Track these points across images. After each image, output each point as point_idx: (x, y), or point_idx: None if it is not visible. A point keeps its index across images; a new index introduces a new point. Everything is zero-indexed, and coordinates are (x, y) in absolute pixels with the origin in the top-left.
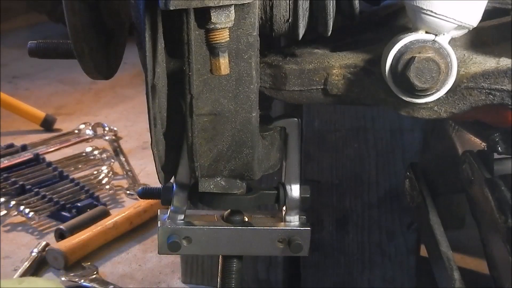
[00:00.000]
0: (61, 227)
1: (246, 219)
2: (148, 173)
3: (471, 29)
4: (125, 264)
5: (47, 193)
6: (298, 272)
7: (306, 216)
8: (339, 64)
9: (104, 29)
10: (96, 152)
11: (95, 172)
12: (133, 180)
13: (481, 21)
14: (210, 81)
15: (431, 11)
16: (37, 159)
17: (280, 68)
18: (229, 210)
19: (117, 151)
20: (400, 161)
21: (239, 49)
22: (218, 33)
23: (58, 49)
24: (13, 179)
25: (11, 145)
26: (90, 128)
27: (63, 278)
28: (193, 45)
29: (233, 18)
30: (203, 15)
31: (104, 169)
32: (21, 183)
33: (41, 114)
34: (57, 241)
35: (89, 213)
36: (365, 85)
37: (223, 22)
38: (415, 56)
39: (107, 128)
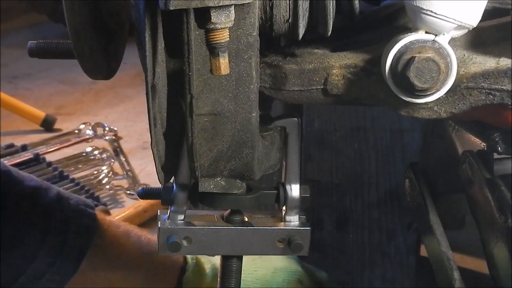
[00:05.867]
0: None
1: (246, 219)
2: (148, 173)
3: (471, 29)
4: None
5: None
6: None
7: (306, 216)
8: (339, 64)
9: (104, 29)
10: (96, 152)
11: (95, 172)
12: (133, 180)
13: (481, 21)
14: (210, 81)
15: (431, 11)
16: (37, 159)
17: (280, 68)
18: (229, 210)
19: (117, 151)
20: (400, 161)
21: (239, 49)
22: (218, 33)
23: (58, 49)
24: None
25: (11, 145)
26: (90, 128)
27: None
28: (193, 45)
29: (233, 18)
30: (203, 15)
31: (104, 169)
32: None
33: (41, 114)
34: None
35: None
36: (365, 85)
37: (223, 22)
38: (415, 56)
39: (107, 128)
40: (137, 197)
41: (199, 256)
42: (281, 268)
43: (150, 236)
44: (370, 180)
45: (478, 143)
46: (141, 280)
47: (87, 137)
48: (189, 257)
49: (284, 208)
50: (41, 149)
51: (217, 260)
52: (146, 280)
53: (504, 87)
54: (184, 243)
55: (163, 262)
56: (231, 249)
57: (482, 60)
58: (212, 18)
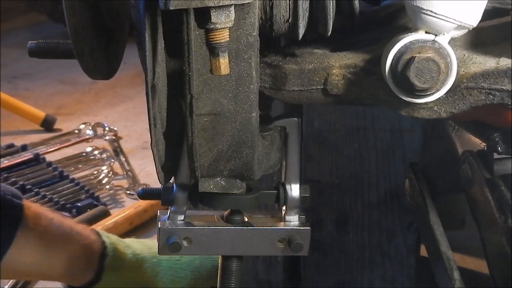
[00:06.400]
0: None
1: (246, 219)
2: (148, 173)
3: (471, 29)
4: None
5: (47, 193)
6: (298, 272)
7: (306, 216)
8: (339, 64)
9: (104, 29)
10: (96, 152)
11: (95, 172)
12: (133, 180)
13: (481, 21)
14: (210, 81)
15: (431, 11)
16: (37, 159)
17: (280, 68)
18: (229, 210)
19: (117, 151)
20: (400, 161)
21: (239, 49)
22: (218, 33)
23: (58, 49)
24: (13, 179)
25: (11, 145)
26: (90, 128)
27: None
28: (193, 45)
29: (233, 18)
30: (203, 15)
31: (104, 169)
32: (21, 183)
33: (41, 114)
34: None
35: (89, 213)
36: (365, 85)
37: (223, 22)
38: (415, 56)
39: (107, 128)
40: (137, 197)
41: (117, 242)
42: None
43: (62, 219)
44: (370, 180)
45: (478, 143)
46: (62, 264)
47: (87, 137)
48: (107, 242)
49: (284, 208)
50: (41, 149)
51: (136, 245)
52: (67, 264)
53: (504, 87)
54: (184, 243)
55: (81, 247)
56: (231, 249)
57: (482, 60)
58: (212, 18)
